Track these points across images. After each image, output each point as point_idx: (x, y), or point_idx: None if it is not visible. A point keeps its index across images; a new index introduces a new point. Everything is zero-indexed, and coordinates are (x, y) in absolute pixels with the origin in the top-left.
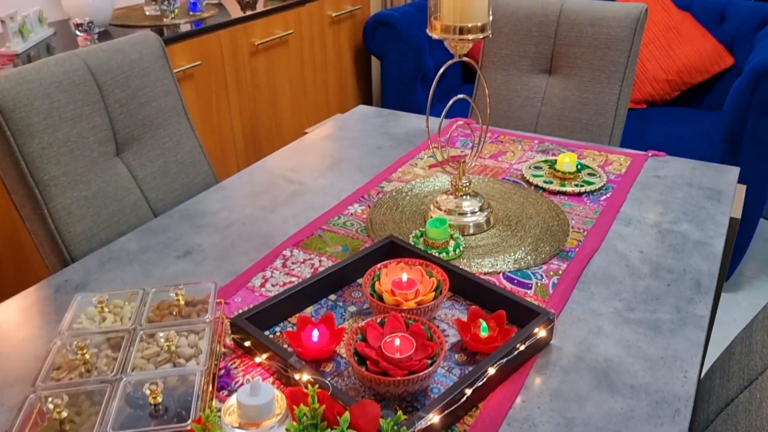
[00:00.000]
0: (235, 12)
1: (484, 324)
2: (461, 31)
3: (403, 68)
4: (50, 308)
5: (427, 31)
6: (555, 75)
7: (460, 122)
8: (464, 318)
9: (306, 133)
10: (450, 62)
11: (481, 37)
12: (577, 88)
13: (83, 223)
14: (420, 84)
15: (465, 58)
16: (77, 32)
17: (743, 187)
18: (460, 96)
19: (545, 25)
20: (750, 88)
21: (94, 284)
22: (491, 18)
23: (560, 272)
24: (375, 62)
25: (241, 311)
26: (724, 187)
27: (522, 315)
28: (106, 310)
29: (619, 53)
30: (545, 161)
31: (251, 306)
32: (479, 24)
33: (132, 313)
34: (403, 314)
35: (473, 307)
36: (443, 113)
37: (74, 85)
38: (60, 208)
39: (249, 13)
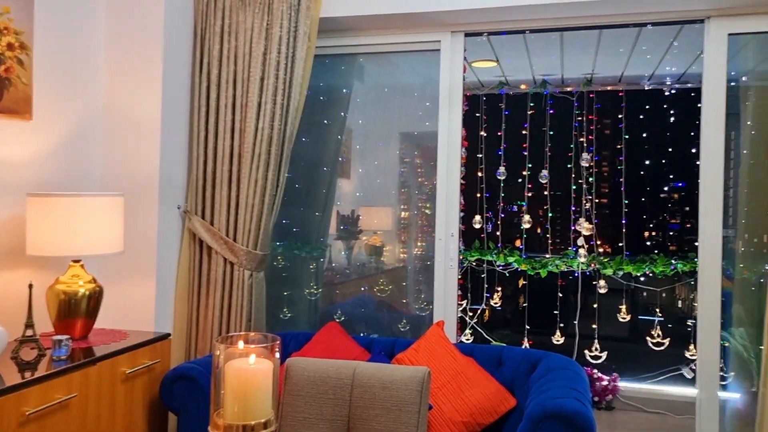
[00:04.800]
0: (11, 376)
1: None
2: (244, 429)
3: (203, 424)
4: None
5: (209, 429)
6: None
7: None
8: None
9: None
10: None
11: None
12: None
13: None
14: None
15: None
16: None
17: None
18: None
19: (340, 388)
20: None
21: None
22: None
23: None
24: (172, 418)
25: None
26: None
27: None
28: None
29: (409, 414)
30: None
31: None
32: (263, 420)
33: None
34: None
35: None
36: None
37: None
38: None
39: (27, 378)
